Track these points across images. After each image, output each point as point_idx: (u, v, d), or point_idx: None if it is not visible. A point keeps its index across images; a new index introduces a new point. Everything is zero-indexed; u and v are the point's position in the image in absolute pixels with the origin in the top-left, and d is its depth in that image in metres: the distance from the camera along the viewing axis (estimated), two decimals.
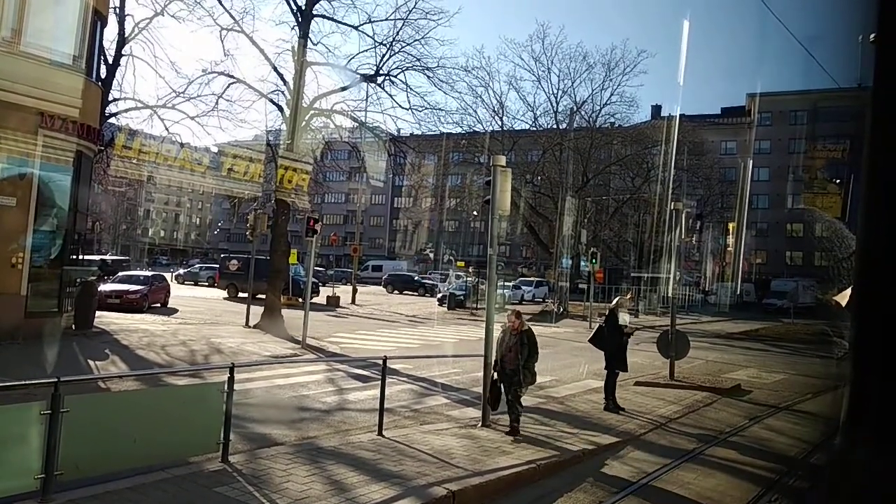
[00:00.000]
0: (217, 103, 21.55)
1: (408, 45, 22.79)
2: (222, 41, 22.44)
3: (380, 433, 7.91)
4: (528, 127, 42.88)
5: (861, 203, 2.58)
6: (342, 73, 25.77)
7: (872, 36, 2.49)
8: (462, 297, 35.23)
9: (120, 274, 27.15)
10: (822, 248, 37.22)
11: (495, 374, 8.75)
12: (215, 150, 25.10)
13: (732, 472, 7.78)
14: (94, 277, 18.82)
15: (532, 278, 48.74)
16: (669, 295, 18.02)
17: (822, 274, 38.58)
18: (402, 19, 22.58)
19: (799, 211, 46.72)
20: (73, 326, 15.45)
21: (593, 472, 7.37)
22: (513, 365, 8.46)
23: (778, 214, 56.77)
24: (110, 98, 20.88)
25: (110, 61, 20.86)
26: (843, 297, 7.64)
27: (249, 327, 19.45)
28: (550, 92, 42.58)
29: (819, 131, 46.31)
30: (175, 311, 23.84)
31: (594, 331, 11.40)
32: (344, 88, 23.01)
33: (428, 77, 23.51)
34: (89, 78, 15.33)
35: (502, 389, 8.60)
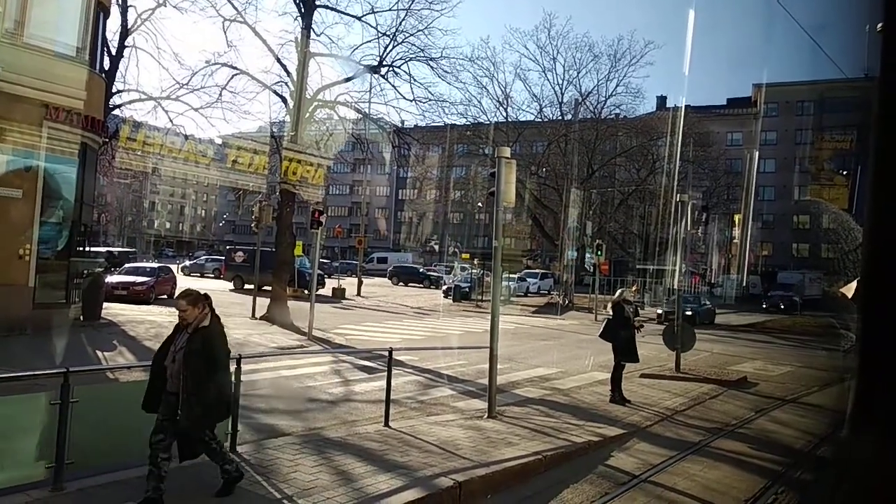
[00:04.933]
0: (221, 94, 21.67)
1: (411, 35, 22.78)
2: (225, 32, 22.41)
3: (386, 424, 7.95)
4: (533, 118, 42.75)
5: (868, 194, 2.57)
6: (345, 64, 25.87)
7: (879, 25, 2.48)
8: (467, 290, 35.26)
9: (126, 265, 27.29)
10: (828, 239, 37.05)
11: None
12: (220, 141, 25.15)
13: (738, 464, 7.78)
14: (101, 269, 18.91)
15: (537, 270, 48.72)
16: (675, 287, 18.02)
17: (829, 266, 38.42)
18: (405, 9, 22.56)
19: (806, 202, 46.45)
20: (81, 317, 15.54)
21: (599, 463, 7.38)
22: (175, 387, 5.00)
23: (784, 206, 56.49)
24: (114, 90, 20.95)
25: (113, 53, 20.90)
26: (850, 290, 7.62)
27: (256, 319, 19.53)
28: (556, 82, 42.57)
29: (826, 122, 46.02)
30: None
31: (602, 326, 11.40)
32: (347, 79, 23.04)
33: (432, 68, 23.52)
34: (93, 69, 15.36)
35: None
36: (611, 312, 11.31)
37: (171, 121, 21.87)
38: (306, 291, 22.36)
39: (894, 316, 2.37)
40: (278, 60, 21.74)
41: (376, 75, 22.76)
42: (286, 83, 21.74)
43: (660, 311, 27.31)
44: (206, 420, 5.15)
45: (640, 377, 12.91)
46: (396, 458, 6.65)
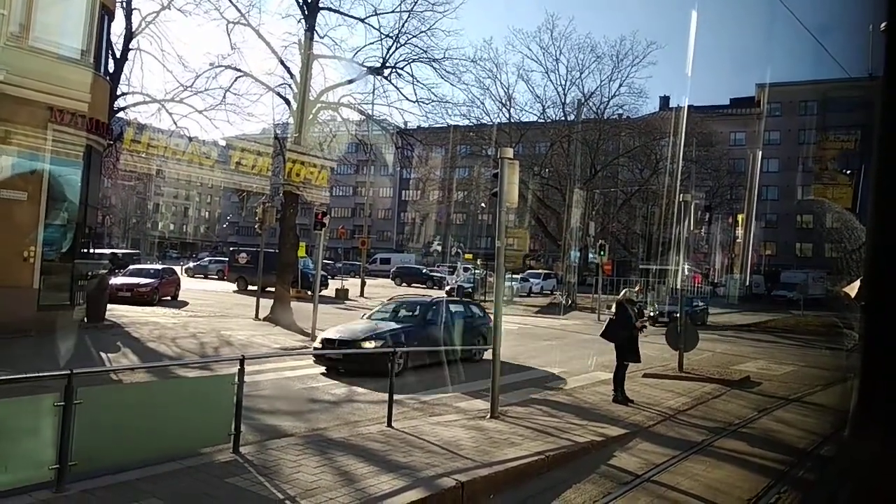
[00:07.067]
0: (224, 97, 21.72)
1: (414, 36, 22.86)
2: (229, 34, 22.37)
3: (389, 425, 7.95)
4: (536, 119, 42.69)
5: (871, 193, 2.57)
6: (349, 66, 25.85)
7: (883, 25, 2.48)
8: (470, 290, 35.26)
9: (130, 267, 27.36)
10: (832, 239, 36.95)
11: None
12: (223, 143, 25.16)
13: (741, 463, 7.77)
14: (105, 271, 18.96)
15: (540, 270, 48.68)
16: (678, 287, 18.02)
17: (833, 265, 38.30)
18: (408, 11, 22.65)
19: (809, 202, 46.38)
20: (85, 319, 15.58)
21: (602, 463, 7.37)
22: None
23: (788, 206, 56.39)
24: (118, 92, 20.97)
25: (118, 55, 20.94)
26: (853, 289, 7.59)
27: (259, 320, 19.57)
28: (559, 83, 42.32)
29: (829, 121, 45.94)
30: (185, 303, 23.99)
31: (605, 325, 11.38)
32: (351, 81, 23.08)
33: (434, 69, 23.58)
34: (97, 72, 15.41)
35: None
36: (614, 311, 11.29)
37: (175, 123, 21.95)
38: (309, 292, 22.38)
39: None
40: (282, 62, 21.87)
41: (379, 77, 22.82)
42: (290, 85, 21.80)
43: (652, 313, 24.80)
44: None
45: (643, 377, 12.89)
46: (399, 459, 6.65)
